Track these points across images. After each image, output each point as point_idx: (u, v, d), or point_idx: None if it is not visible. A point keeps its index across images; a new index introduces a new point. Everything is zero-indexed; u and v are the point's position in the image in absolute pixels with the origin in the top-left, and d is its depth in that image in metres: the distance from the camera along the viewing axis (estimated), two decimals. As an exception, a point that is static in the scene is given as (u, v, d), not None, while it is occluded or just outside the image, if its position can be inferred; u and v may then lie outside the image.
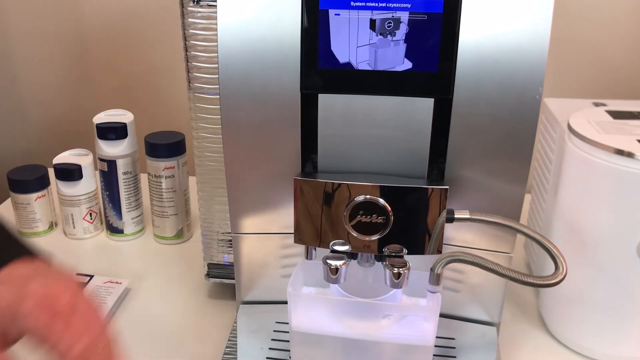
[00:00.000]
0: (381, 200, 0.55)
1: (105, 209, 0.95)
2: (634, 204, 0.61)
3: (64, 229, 0.97)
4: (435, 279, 0.57)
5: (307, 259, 0.61)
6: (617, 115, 0.70)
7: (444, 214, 0.56)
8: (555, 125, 0.75)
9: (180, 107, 1.07)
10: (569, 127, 0.67)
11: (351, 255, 0.59)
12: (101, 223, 0.98)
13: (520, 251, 0.90)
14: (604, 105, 0.76)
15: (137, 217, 0.96)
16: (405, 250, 0.57)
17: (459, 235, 0.63)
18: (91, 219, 0.96)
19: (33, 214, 0.95)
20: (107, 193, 0.93)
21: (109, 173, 0.92)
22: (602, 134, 0.64)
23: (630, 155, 0.60)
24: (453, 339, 0.67)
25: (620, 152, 0.61)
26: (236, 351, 0.67)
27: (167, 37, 1.12)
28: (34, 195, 0.95)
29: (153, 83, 1.17)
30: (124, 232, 0.96)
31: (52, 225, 0.98)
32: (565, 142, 0.67)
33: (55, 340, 0.43)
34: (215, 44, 0.57)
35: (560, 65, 1.06)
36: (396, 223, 0.56)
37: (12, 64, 1.21)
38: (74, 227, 0.96)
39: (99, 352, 0.44)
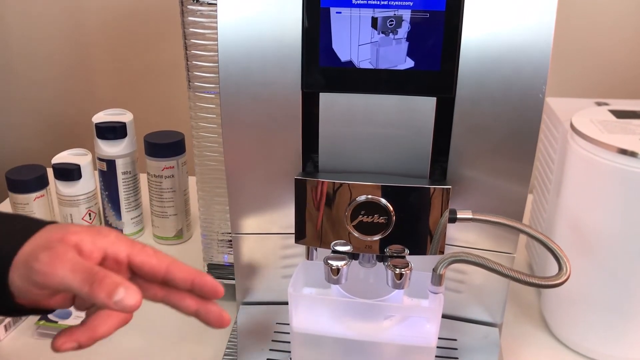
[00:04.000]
0: (383, 200, 0.55)
1: (104, 209, 0.95)
2: (637, 203, 0.61)
3: (63, 229, 0.97)
4: (438, 279, 0.56)
5: (308, 259, 0.61)
6: (620, 114, 0.70)
7: (446, 214, 0.55)
8: (557, 124, 0.74)
9: (180, 107, 1.06)
10: (572, 127, 0.66)
11: (352, 256, 0.58)
12: (100, 223, 0.98)
13: (522, 251, 0.90)
14: (606, 104, 0.76)
15: (136, 217, 0.96)
16: (407, 251, 0.57)
17: (462, 235, 0.62)
18: (90, 219, 0.95)
19: (32, 214, 0.95)
20: (107, 193, 0.93)
21: (108, 173, 0.91)
22: (605, 134, 0.64)
23: (633, 154, 0.60)
24: (455, 340, 0.67)
25: (623, 152, 0.60)
26: (236, 352, 0.66)
27: (167, 36, 1.12)
28: (33, 195, 0.94)
29: (153, 82, 1.17)
30: (124, 232, 0.95)
31: (51, 226, 0.98)
32: (568, 141, 0.67)
33: (139, 250, 0.49)
34: (215, 42, 0.57)
35: (563, 64, 1.06)
36: (398, 223, 0.56)
37: (11, 64, 1.21)
38: (73, 227, 0.95)
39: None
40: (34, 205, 0.94)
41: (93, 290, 0.42)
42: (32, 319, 0.76)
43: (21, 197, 0.94)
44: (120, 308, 0.43)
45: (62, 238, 0.45)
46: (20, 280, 0.45)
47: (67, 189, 0.93)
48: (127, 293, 0.43)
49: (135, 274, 0.50)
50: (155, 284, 0.51)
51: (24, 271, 0.44)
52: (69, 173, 0.92)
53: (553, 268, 0.55)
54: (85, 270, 0.43)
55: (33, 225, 0.47)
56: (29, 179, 0.93)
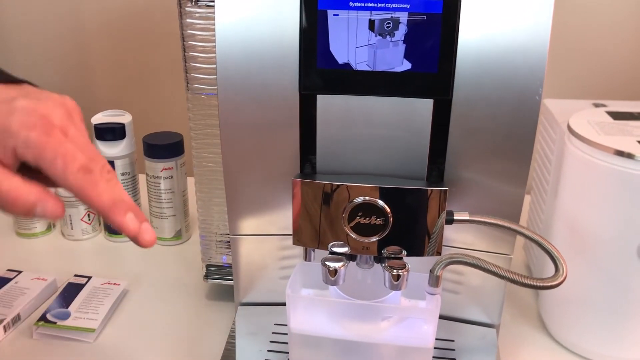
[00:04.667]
0: (380, 202, 0.55)
1: (103, 210, 0.95)
2: (634, 205, 0.61)
3: (62, 230, 0.97)
4: (435, 280, 0.56)
5: (305, 260, 0.61)
6: (617, 116, 0.70)
7: (443, 216, 0.56)
8: (555, 126, 0.75)
9: (178, 108, 1.06)
10: (569, 128, 0.67)
11: (350, 257, 0.58)
12: (99, 224, 0.98)
13: (520, 253, 0.90)
14: (604, 106, 0.76)
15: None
16: (404, 252, 0.57)
17: (459, 236, 0.62)
18: (89, 220, 0.96)
19: (31, 215, 0.95)
20: (106, 194, 0.93)
21: (107, 174, 0.91)
22: (602, 135, 0.64)
23: (630, 156, 0.60)
24: (453, 340, 0.67)
25: (620, 153, 0.60)
26: (235, 353, 0.66)
27: (166, 37, 1.12)
28: (32, 196, 0.94)
29: (151, 84, 1.17)
30: (122, 233, 0.95)
31: (50, 227, 0.98)
32: (565, 143, 0.67)
33: (51, 157, 0.40)
34: (213, 44, 0.57)
35: (560, 66, 1.06)
36: (395, 224, 0.56)
37: (10, 65, 1.21)
38: (72, 229, 0.95)
39: (98, 171, 0.42)
40: (33, 206, 0.94)
41: (7, 212, 0.40)
42: (31, 320, 0.76)
43: (20, 198, 0.94)
44: (42, 218, 0.42)
45: None
46: None
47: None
48: (41, 208, 0.40)
49: None
50: None
51: None
52: (68, 174, 0.92)
53: (551, 269, 0.55)
54: (6, 195, 0.40)
55: None
56: (28, 180, 0.94)
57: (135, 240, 0.45)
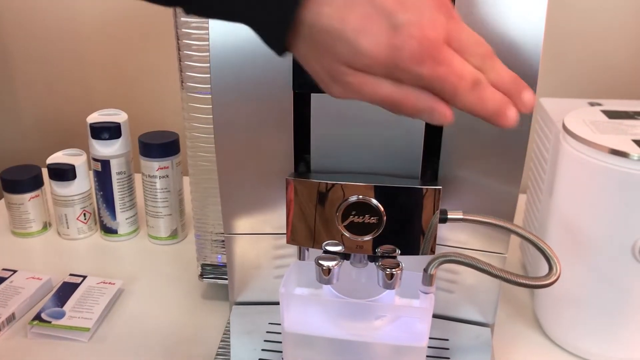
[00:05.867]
0: (374, 201, 0.55)
1: (99, 209, 0.95)
2: (629, 204, 0.61)
3: (57, 230, 0.97)
4: (429, 279, 0.56)
5: (300, 259, 0.61)
6: (612, 115, 0.70)
7: (437, 215, 0.55)
8: (550, 125, 0.75)
9: (174, 107, 1.06)
10: (564, 127, 0.67)
11: (344, 256, 0.58)
12: (95, 223, 0.98)
13: (515, 251, 0.90)
14: (599, 105, 0.76)
15: (131, 217, 0.96)
16: (398, 251, 0.57)
17: (453, 235, 0.62)
18: (85, 219, 0.96)
19: (27, 214, 0.95)
20: (101, 193, 0.93)
21: (102, 173, 0.91)
22: (597, 134, 0.64)
23: (625, 155, 0.60)
24: (447, 340, 0.67)
25: (615, 152, 0.60)
26: (229, 352, 0.66)
27: (161, 37, 1.12)
28: (28, 196, 0.94)
29: (147, 83, 1.17)
30: (118, 233, 0.95)
31: (46, 226, 0.98)
32: (560, 142, 0.67)
33: (440, 87, 0.39)
34: (207, 43, 0.57)
35: (556, 64, 1.06)
36: (389, 223, 0.56)
37: (6, 64, 1.21)
38: (68, 228, 0.95)
39: (483, 78, 0.40)
40: (28, 205, 0.94)
41: (395, 112, 0.40)
42: (26, 319, 0.76)
43: (16, 197, 0.94)
44: (429, 121, 0.41)
45: (351, 66, 0.38)
46: (313, 77, 0.41)
47: (62, 189, 0.93)
48: (432, 115, 0.40)
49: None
50: None
51: (316, 79, 0.41)
52: (64, 173, 0.92)
53: (546, 268, 0.55)
54: (382, 100, 0.39)
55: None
56: (24, 179, 0.94)
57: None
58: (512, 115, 0.42)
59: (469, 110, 0.40)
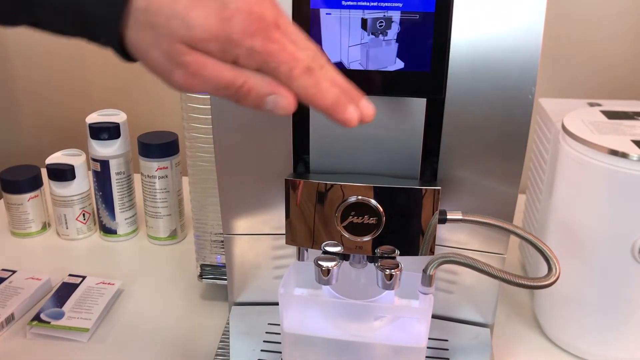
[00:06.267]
0: (373, 201, 0.55)
1: (98, 209, 0.95)
2: (628, 204, 0.61)
3: (57, 230, 0.97)
4: (428, 280, 0.56)
5: (299, 260, 0.61)
6: (611, 115, 0.70)
7: (436, 215, 0.55)
8: (549, 125, 0.74)
9: (173, 107, 1.06)
10: (563, 128, 0.67)
11: (343, 257, 0.58)
12: (94, 224, 0.98)
13: (515, 252, 0.90)
14: (598, 105, 0.76)
15: (130, 217, 0.96)
16: (397, 252, 0.57)
17: (452, 236, 0.62)
18: (84, 219, 0.96)
19: (26, 215, 0.95)
20: (100, 193, 0.93)
21: (102, 173, 0.91)
22: (597, 134, 0.64)
23: (624, 155, 0.60)
24: (446, 340, 0.67)
25: (614, 153, 0.60)
26: (228, 352, 0.66)
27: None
28: (27, 196, 0.94)
29: (146, 83, 1.17)
30: (117, 233, 0.95)
31: (45, 226, 0.98)
32: (559, 142, 0.67)
33: (275, 65, 0.40)
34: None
35: (556, 65, 1.06)
36: (388, 224, 0.56)
37: (5, 64, 1.20)
38: (67, 228, 0.95)
39: (318, 68, 0.42)
40: (27, 205, 0.94)
41: (241, 104, 0.41)
42: (25, 319, 0.76)
43: (15, 198, 0.94)
44: (274, 112, 0.42)
45: (189, 45, 0.39)
46: (156, 74, 0.41)
47: (61, 189, 0.93)
48: (275, 104, 0.41)
49: None
50: None
51: (159, 75, 0.41)
52: (63, 173, 0.92)
53: (546, 269, 0.55)
54: (226, 86, 0.40)
55: None
56: (23, 180, 0.94)
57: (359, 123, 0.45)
58: (352, 112, 0.43)
59: (308, 98, 0.42)
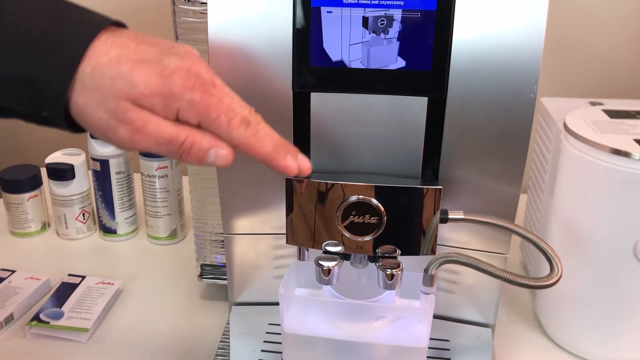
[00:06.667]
0: (374, 201, 0.55)
1: (98, 209, 0.94)
2: (630, 204, 0.61)
3: (56, 230, 0.97)
4: (429, 280, 0.56)
5: (299, 259, 0.60)
6: (613, 114, 0.70)
7: (437, 215, 0.55)
8: (551, 124, 0.74)
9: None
10: (565, 127, 0.66)
11: (344, 256, 0.58)
12: (94, 223, 0.98)
13: (516, 252, 0.89)
14: (600, 104, 0.76)
15: (130, 217, 0.95)
16: (398, 251, 0.56)
17: (454, 235, 0.62)
18: (84, 219, 0.95)
19: (25, 214, 0.95)
20: (100, 193, 0.92)
21: (101, 173, 0.91)
22: (599, 134, 0.63)
23: (626, 154, 0.60)
24: (448, 340, 0.66)
25: (616, 152, 0.60)
26: (228, 352, 0.66)
27: (160, 35, 1.11)
28: (27, 195, 0.94)
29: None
30: (117, 233, 0.95)
31: (44, 226, 0.98)
32: (561, 141, 0.67)
33: (215, 116, 0.42)
34: (206, 42, 0.56)
35: (557, 64, 1.06)
36: (390, 223, 0.55)
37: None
38: (67, 228, 0.95)
39: (254, 120, 0.45)
40: (27, 205, 0.94)
41: (183, 159, 0.43)
42: (24, 319, 0.76)
43: (15, 197, 0.93)
44: (214, 165, 0.44)
45: (134, 102, 0.41)
46: (102, 139, 0.43)
47: (61, 188, 0.93)
48: (217, 155, 0.43)
49: None
50: None
51: (103, 136, 0.43)
52: (63, 173, 0.92)
53: (547, 268, 0.55)
54: (170, 142, 0.42)
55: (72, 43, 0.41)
56: (23, 179, 0.93)
57: (296, 175, 0.48)
58: (291, 161, 0.46)
59: (247, 147, 0.45)
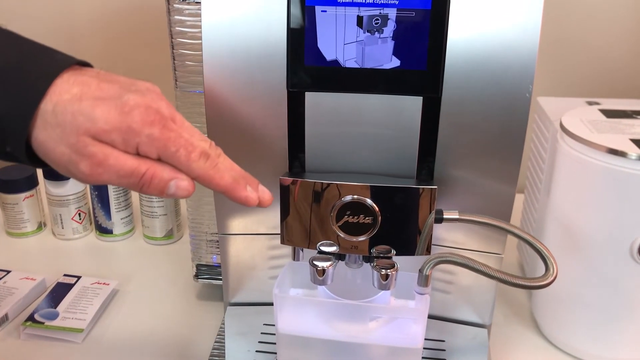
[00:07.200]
0: (368, 200, 0.54)
1: (94, 209, 0.94)
2: (626, 204, 0.61)
3: (52, 230, 0.96)
4: (424, 280, 0.56)
5: (294, 260, 0.60)
6: (610, 114, 0.70)
7: (432, 215, 0.55)
8: (548, 124, 0.74)
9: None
10: (562, 126, 0.66)
11: (339, 257, 0.58)
12: (90, 223, 0.97)
13: (513, 252, 0.89)
14: (597, 104, 0.75)
15: (126, 217, 0.95)
16: (393, 251, 0.56)
17: (449, 235, 0.62)
18: (80, 219, 0.95)
19: (21, 214, 0.94)
20: (96, 193, 0.92)
21: (97, 173, 0.91)
22: (595, 133, 0.63)
23: (623, 154, 0.59)
24: (443, 341, 0.66)
25: (613, 152, 0.60)
26: (223, 353, 0.66)
27: (155, 35, 1.11)
28: (22, 195, 0.93)
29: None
30: (113, 233, 0.95)
31: (40, 226, 0.97)
32: (557, 141, 0.66)
33: (174, 150, 0.44)
34: (201, 42, 0.56)
35: (554, 64, 1.05)
36: (384, 223, 0.55)
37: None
38: (63, 228, 0.94)
39: (213, 153, 0.46)
40: (23, 205, 0.94)
41: (144, 192, 0.44)
42: (19, 320, 0.75)
43: (10, 197, 0.93)
44: (175, 196, 0.45)
45: (94, 137, 0.42)
46: (64, 173, 0.44)
47: (57, 188, 0.92)
48: (177, 187, 0.44)
49: None
50: None
51: (65, 171, 0.43)
52: (59, 173, 0.91)
53: (544, 269, 0.55)
54: (131, 174, 0.43)
55: (37, 83, 0.42)
56: (19, 179, 0.93)
57: (257, 205, 0.49)
58: (251, 192, 0.47)
59: (207, 179, 0.45)
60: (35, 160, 0.44)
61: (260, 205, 0.49)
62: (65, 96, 0.42)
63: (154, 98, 0.44)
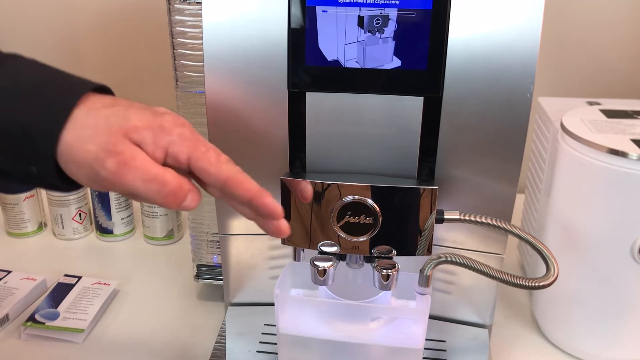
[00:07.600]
0: (369, 201, 0.54)
1: (94, 209, 0.94)
2: (627, 204, 0.61)
3: (53, 230, 0.96)
4: (425, 280, 0.56)
5: (295, 260, 0.60)
6: (610, 114, 0.70)
7: (433, 215, 0.55)
8: (548, 124, 0.74)
9: (168, 106, 1.05)
10: (562, 127, 0.66)
11: (340, 257, 0.58)
12: (91, 223, 0.97)
13: (514, 252, 0.89)
14: (598, 104, 0.75)
15: (126, 217, 0.95)
16: (394, 252, 0.56)
17: (450, 236, 0.62)
18: (80, 219, 0.95)
19: (22, 214, 0.94)
20: (97, 193, 0.92)
21: (98, 173, 0.91)
22: (596, 134, 0.63)
23: (623, 154, 0.59)
24: (444, 341, 0.66)
25: (613, 152, 0.60)
26: (224, 353, 0.66)
27: (156, 35, 1.11)
28: (23, 195, 0.93)
29: (141, 81, 1.16)
30: (114, 233, 0.95)
31: (41, 226, 0.97)
32: (558, 141, 0.66)
33: (204, 150, 0.44)
34: (201, 42, 0.56)
35: (555, 64, 1.05)
36: (385, 224, 0.55)
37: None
38: (63, 228, 0.94)
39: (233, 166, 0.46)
40: (23, 205, 0.94)
41: (164, 202, 0.43)
42: (20, 320, 0.75)
43: (11, 197, 0.93)
44: (187, 208, 0.45)
45: (125, 135, 0.43)
46: (86, 179, 0.44)
47: (57, 189, 0.92)
48: (190, 199, 0.44)
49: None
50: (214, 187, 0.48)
51: (89, 172, 0.43)
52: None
53: (544, 269, 0.55)
54: (154, 178, 0.43)
55: (69, 95, 0.44)
56: (19, 179, 0.93)
57: (276, 226, 0.48)
58: (276, 203, 0.47)
59: (235, 182, 0.44)
60: (58, 173, 0.44)
61: (280, 234, 0.48)
62: (97, 104, 0.44)
63: (180, 116, 0.46)
